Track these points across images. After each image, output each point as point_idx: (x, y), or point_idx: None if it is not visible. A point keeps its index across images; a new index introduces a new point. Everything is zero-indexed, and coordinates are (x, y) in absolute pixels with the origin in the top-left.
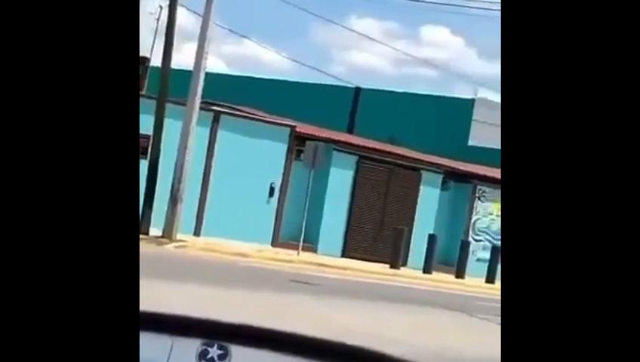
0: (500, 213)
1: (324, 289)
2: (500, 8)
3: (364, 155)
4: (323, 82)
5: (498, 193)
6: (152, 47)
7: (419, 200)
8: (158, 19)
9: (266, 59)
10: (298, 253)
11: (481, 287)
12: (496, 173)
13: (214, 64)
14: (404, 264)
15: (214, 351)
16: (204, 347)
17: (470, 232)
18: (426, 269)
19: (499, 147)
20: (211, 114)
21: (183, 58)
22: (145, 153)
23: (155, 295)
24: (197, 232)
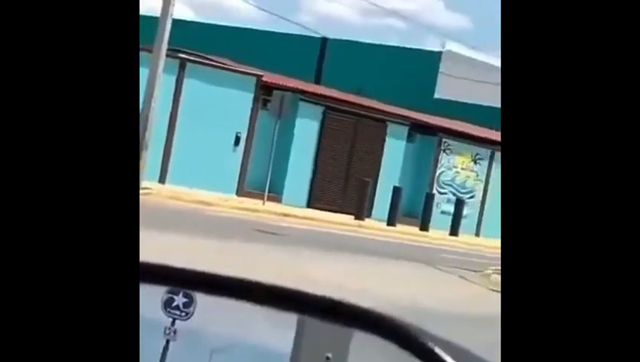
0: (464, 166)
1: (288, 239)
2: None
3: (331, 106)
4: (290, 31)
5: (463, 146)
6: None
7: (384, 152)
8: None
9: (232, 7)
10: (263, 203)
11: (445, 240)
12: (461, 126)
13: (181, 11)
14: (369, 216)
15: (179, 299)
16: (170, 295)
17: (435, 185)
18: (391, 221)
19: (464, 100)
20: (177, 61)
21: (149, 3)
22: None
23: None
24: (162, 180)
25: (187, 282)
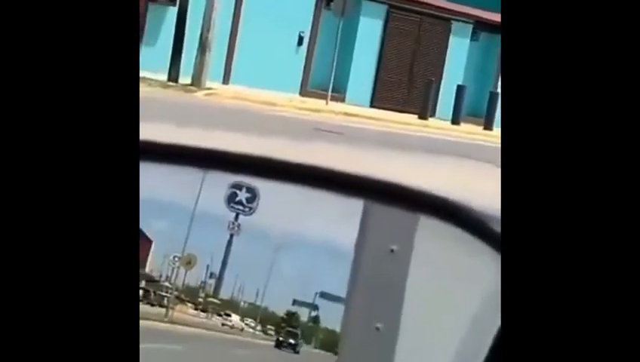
0: None
1: (351, 138)
2: None
3: (394, 5)
4: None
5: None
6: None
7: (448, 51)
8: None
9: None
10: (326, 103)
11: None
12: None
13: None
14: (433, 115)
15: (242, 194)
16: (233, 190)
17: (499, 84)
18: (455, 120)
19: None
20: None
21: None
22: (174, 1)
23: (183, 141)
24: (226, 80)
25: (251, 168)
